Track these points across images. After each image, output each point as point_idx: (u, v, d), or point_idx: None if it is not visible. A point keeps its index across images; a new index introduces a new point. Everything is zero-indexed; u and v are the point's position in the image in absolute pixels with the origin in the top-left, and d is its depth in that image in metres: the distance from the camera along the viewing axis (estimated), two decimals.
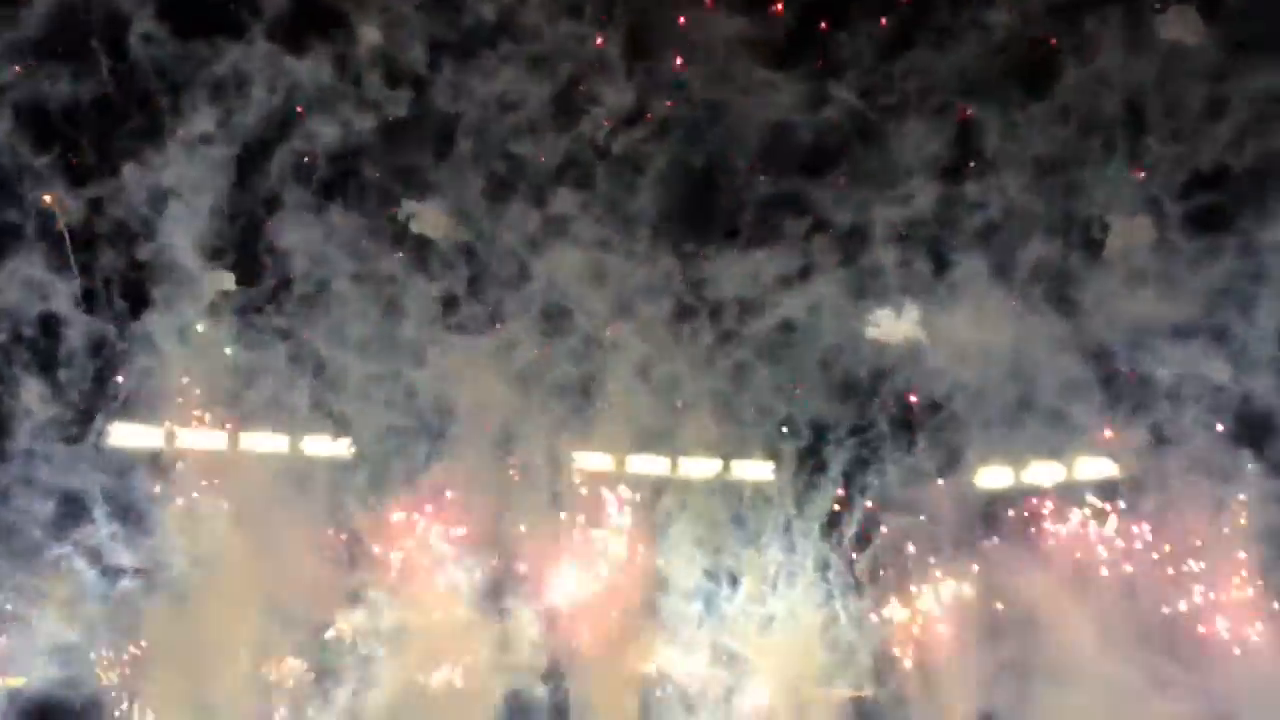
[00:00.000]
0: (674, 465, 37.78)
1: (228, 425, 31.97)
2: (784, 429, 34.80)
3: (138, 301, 30.36)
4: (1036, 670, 26.66)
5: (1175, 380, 30.52)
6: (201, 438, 32.32)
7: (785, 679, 33.78)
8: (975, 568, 30.63)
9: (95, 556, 32.18)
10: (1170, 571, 31.01)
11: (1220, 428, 30.62)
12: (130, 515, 31.87)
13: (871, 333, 31.25)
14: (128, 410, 31.71)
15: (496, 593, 32.19)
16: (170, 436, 32.18)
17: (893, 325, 30.75)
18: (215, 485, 30.62)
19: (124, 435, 32.20)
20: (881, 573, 34.64)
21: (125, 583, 31.97)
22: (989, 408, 31.09)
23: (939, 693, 30.15)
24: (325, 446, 33.62)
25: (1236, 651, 29.82)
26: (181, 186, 29.04)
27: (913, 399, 33.88)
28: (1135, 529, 32.59)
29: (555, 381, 31.68)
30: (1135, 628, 28.14)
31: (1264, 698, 27.51)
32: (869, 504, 34.85)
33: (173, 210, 29.13)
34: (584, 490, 33.73)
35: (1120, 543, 33.33)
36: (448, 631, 30.31)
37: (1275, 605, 30.23)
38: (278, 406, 31.57)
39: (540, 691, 33.18)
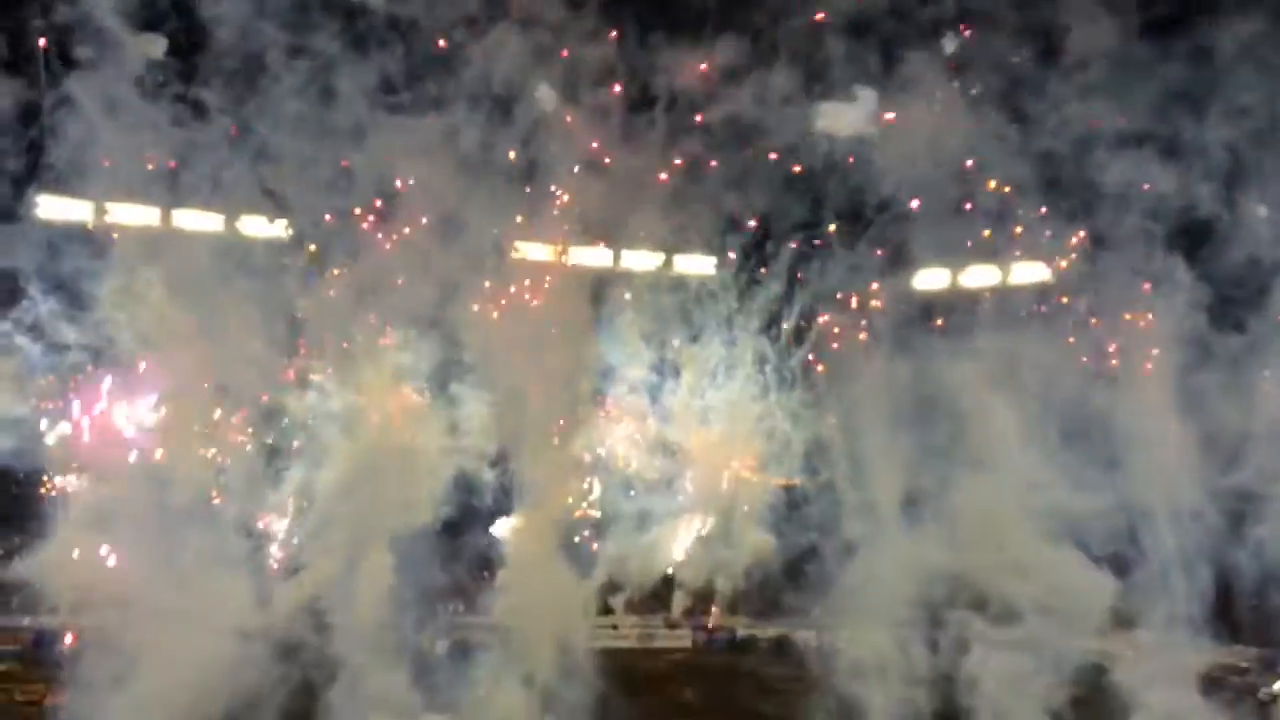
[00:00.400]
0: (617, 258, 37.89)
1: (162, 202, 31.25)
2: (728, 224, 34.88)
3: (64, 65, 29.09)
4: (960, 458, 27.70)
5: (1117, 187, 30.80)
6: (135, 213, 31.64)
7: (720, 467, 34.96)
8: (908, 362, 31.18)
9: (37, 333, 31.86)
10: (1094, 370, 31.90)
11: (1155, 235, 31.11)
12: (69, 292, 31.44)
13: (820, 124, 30.97)
14: (59, 184, 30.81)
15: (444, 378, 32.52)
16: (101, 211, 31.44)
17: (842, 117, 30.45)
18: (152, 263, 30.02)
19: (55, 209, 31.45)
20: (819, 368, 35.38)
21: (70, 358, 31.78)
22: (932, 208, 31.19)
23: (866, 479, 31.05)
24: (263, 228, 33.18)
25: (1151, 451, 30.90)
26: None
27: (857, 198, 33.86)
28: (1065, 330, 33.29)
29: (500, 168, 31.12)
30: (1057, 423, 29.18)
31: (1169, 493, 28.99)
32: (808, 301, 35.34)
33: None
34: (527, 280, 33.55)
35: (1050, 343, 33.91)
36: (397, 414, 30.64)
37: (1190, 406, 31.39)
38: (214, 185, 30.82)
39: (487, 475, 34.08)
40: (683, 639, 41.39)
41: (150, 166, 28.79)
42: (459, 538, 33.24)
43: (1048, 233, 32.49)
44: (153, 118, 27.81)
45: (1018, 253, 34.22)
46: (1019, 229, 32.40)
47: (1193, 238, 30.74)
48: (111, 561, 27.32)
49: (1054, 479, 26.64)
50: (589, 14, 30.97)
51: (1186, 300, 29.23)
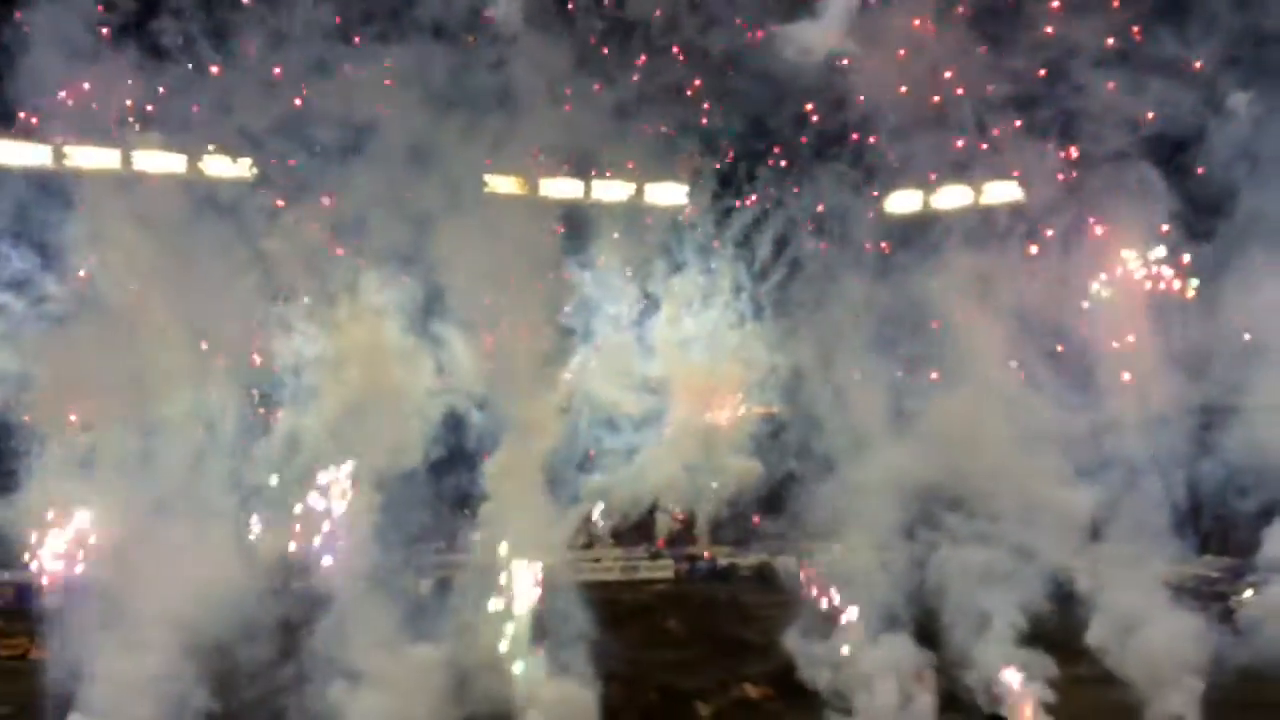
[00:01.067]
0: (587, 189, 37.42)
1: (122, 143, 30.52)
2: (700, 149, 34.51)
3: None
4: (937, 377, 27.81)
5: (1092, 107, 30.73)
6: (97, 156, 30.89)
7: (702, 397, 34.78)
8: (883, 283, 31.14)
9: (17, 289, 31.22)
10: (1066, 286, 32.00)
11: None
12: (35, 240, 30.79)
13: (791, 43, 30.52)
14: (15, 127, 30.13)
15: (424, 316, 32.10)
16: (59, 154, 30.68)
17: (814, 34, 30.00)
18: (118, 207, 29.38)
19: (11, 153, 30.64)
20: (795, 295, 35.13)
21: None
22: (905, 129, 31.00)
23: (846, 402, 31.12)
24: (226, 167, 32.52)
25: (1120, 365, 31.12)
26: None
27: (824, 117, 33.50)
28: (1036, 249, 33.33)
29: (466, 96, 30.59)
30: (1030, 341, 29.32)
31: (1139, 406, 29.31)
32: (782, 226, 35.09)
33: None
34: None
35: (1022, 262, 33.96)
36: (384, 357, 30.36)
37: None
38: (173, 124, 30.18)
39: (475, 415, 33.70)
40: (665, 569, 41.73)
41: (111, 107, 28.11)
42: (444, 477, 33.11)
43: (1022, 150, 32.43)
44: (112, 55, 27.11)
45: (991, 171, 33.99)
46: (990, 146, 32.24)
47: (1166, 149, 30.79)
48: (94, 511, 27.11)
49: (1030, 393, 26.79)
50: None
51: (1159, 212, 29.31)
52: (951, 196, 35.91)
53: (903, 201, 36.30)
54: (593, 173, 35.53)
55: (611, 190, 37.02)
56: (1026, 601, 24.46)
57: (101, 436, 25.73)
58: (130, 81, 27.87)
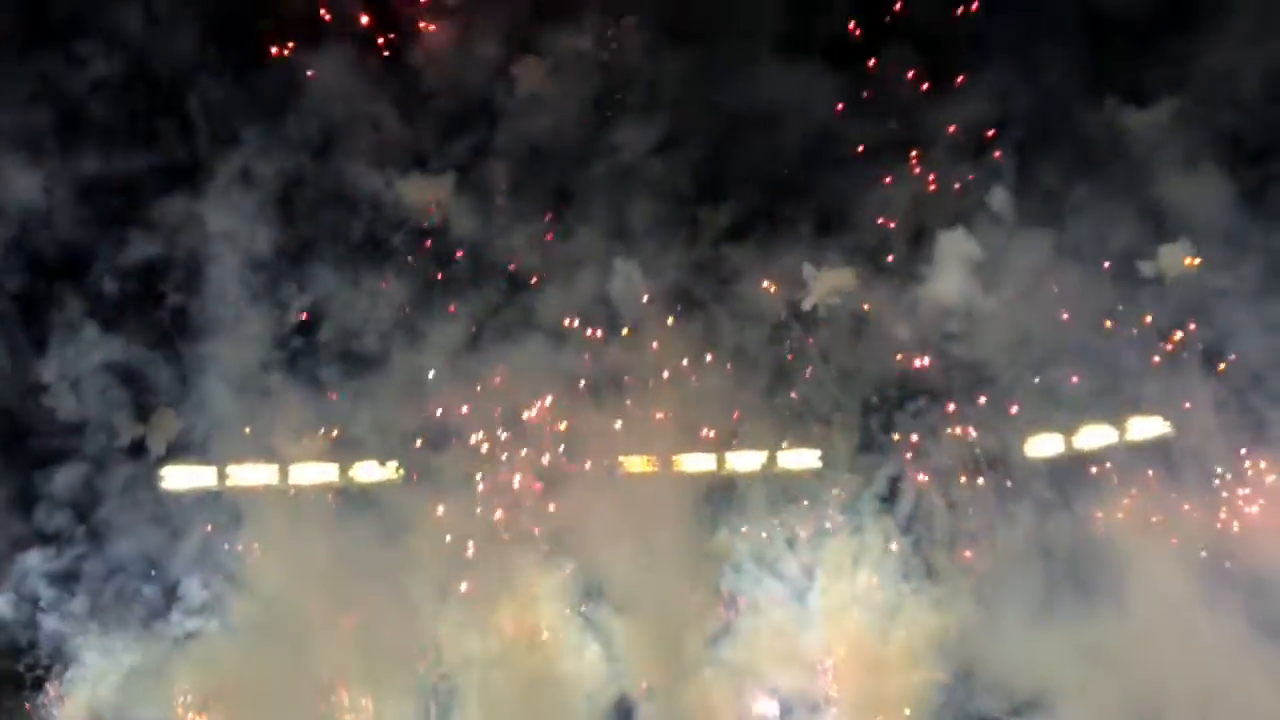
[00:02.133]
0: (720, 461, 37.37)
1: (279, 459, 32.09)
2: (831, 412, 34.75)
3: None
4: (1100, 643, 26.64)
5: None
6: (253, 473, 32.36)
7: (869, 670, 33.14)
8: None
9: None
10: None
11: None
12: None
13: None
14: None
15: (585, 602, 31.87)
16: (222, 475, 32.22)
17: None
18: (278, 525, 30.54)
19: (179, 478, 32.27)
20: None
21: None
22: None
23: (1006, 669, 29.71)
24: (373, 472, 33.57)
25: None
26: None
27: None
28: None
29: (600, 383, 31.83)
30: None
31: None
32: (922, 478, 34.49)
33: None
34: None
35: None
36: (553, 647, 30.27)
37: None
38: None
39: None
40: None
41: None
42: None
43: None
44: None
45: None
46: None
47: None
48: None
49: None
50: None
51: None
52: (1095, 436, 35.11)
53: (1044, 445, 35.52)
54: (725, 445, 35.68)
55: (745, 460, 36.95)
56: None
57: None
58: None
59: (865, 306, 33.71)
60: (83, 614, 32.41)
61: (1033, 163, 33.27)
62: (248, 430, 31.32)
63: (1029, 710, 28.30)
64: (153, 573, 32.27)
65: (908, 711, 31.39)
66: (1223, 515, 32.03)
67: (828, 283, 33.31)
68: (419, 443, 31.99)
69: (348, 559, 27.33)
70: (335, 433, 32.27)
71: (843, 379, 34.93)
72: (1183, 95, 32.32)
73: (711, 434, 34.57)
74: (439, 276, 33.28)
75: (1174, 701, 26.13)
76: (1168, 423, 33.35)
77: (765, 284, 34.00)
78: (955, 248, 31.61)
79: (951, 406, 33.75)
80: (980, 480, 33.73)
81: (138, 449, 32.63)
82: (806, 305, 33.74)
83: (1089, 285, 31.40)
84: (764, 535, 34.45)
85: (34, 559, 32.30)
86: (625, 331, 33.13)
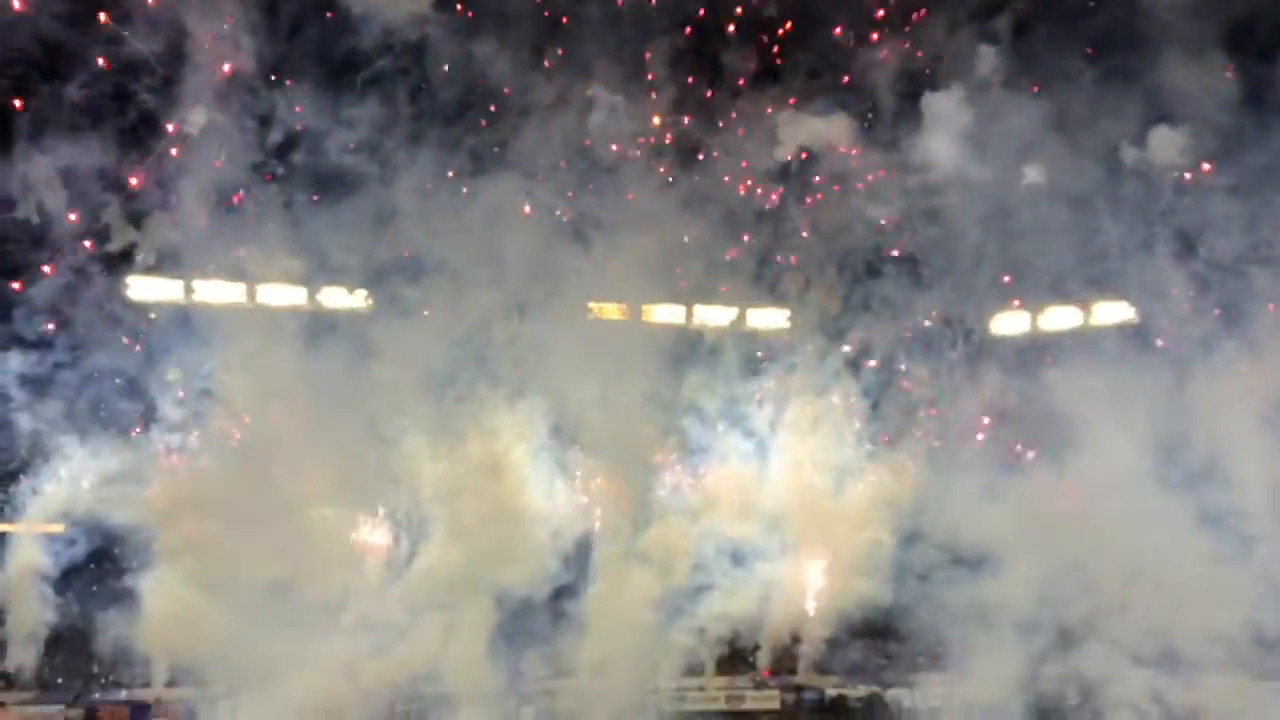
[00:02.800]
0: (689, 315, 37.57)
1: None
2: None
3: None
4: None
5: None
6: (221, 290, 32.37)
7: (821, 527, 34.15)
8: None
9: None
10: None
11: None
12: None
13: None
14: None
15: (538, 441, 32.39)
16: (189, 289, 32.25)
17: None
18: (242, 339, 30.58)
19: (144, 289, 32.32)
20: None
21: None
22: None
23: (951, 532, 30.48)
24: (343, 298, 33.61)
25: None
26: None
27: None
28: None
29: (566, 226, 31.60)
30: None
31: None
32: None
33: None
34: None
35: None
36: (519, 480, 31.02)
37: None
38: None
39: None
40: (771, 700, 40.43)
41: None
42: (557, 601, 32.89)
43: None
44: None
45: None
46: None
47: None
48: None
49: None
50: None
51: None
52: (1059, 317, 35.41)
53: (1010, 323, 35.82)
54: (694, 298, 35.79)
55: (714, 315, 37.13)
56: None
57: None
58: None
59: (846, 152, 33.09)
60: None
61: (1033, 39, 32.46)
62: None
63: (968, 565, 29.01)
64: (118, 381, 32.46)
65: (854, 563, 32.74)
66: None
67: (808, 130, 32.81)
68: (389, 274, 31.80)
69: (318, 383, 27.50)
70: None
71: (817, 239, 34.93)
72: None
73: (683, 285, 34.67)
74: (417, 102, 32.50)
75: (1104, 574, 26.92)
76: (1134, 308, 33.78)
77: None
78: (941, 109, 31.01)
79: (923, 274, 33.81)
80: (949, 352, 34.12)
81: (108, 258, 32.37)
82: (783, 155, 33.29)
83: (1072, 164, 30.83)
84: (729, 390, 34.76)
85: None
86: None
